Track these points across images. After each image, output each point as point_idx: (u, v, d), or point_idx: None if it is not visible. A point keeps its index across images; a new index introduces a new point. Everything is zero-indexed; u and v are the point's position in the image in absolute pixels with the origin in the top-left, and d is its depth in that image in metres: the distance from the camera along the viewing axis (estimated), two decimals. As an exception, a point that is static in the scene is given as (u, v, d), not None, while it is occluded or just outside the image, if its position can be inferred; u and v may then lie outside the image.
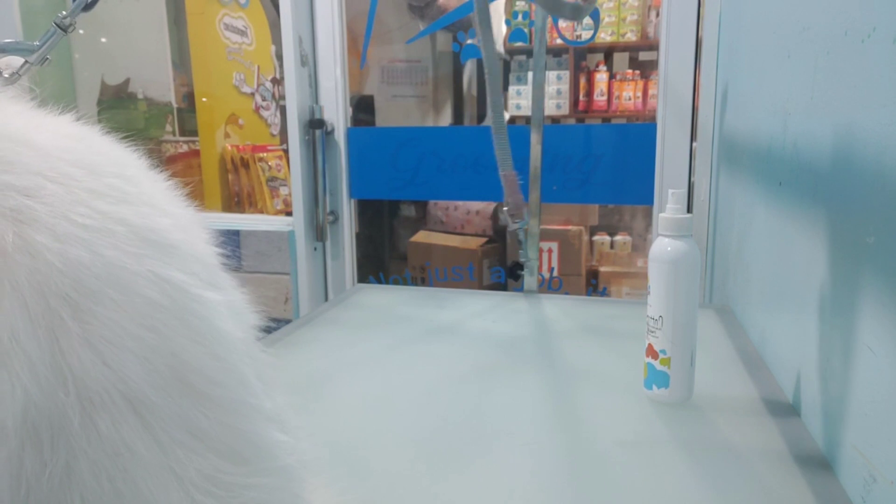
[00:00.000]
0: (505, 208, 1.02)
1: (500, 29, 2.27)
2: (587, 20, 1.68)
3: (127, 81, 2.60)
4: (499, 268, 2.29)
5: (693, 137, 1.48)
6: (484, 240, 2.37)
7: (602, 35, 2.62)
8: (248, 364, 0.30)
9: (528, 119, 1.30)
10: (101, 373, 0.24)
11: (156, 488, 0.24)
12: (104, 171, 0.28)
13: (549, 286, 2.08)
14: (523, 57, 2.68)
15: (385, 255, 2.70)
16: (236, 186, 2.36)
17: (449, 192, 1.72)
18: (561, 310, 1.05)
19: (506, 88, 2.78)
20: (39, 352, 0.23)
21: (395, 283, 2.20)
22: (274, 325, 0.93)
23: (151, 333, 0.25)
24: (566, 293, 2.21)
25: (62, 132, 0.30)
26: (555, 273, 2.31)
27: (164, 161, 2.58)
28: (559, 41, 2.46)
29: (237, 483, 0.26)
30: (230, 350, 0.29)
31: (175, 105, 2.70)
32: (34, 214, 0.25)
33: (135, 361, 0.24)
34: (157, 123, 2.68)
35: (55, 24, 0.46)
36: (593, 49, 2.81)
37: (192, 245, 0.30)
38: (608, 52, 2.84)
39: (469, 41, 1.72)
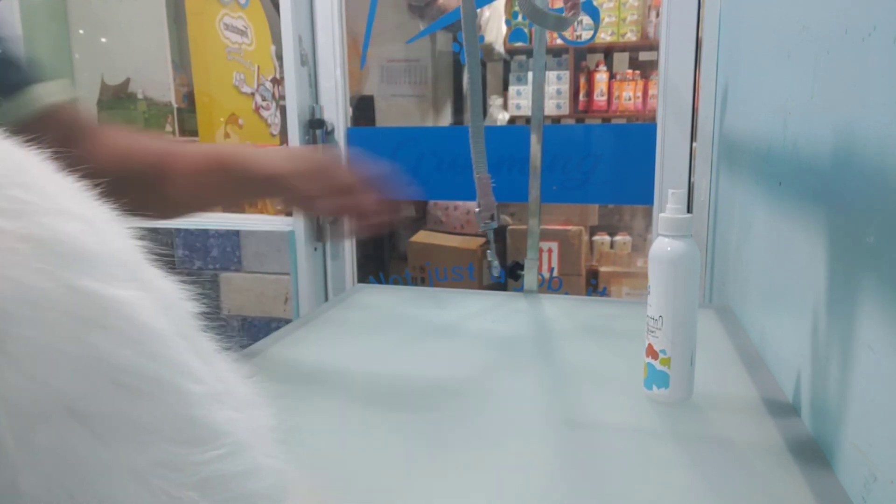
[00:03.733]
0: (477, 209, 1.04)
1: (500, 29, 2.27)
2: (587, 20, 1.68)
3: (127, 81, 2.60)
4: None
5: (693, 137, 1.48)
6: (484, 240, 2.37)
7: (602, 35, 2.62)
8: (186, 350, 0.30)
9: (527, 119, 1.30)
10: (29, 389, 0.23)
11: (112, 485, 0.24)
12: (2, 184, 0.27)
13: (549, 286, 2.08)
14: (523, 57, 2.68)
15: (385, 255, 2.70)
16: (236, 186, 2.35)
17: (448, 192, 1.72)
18: (561, 310, 1.05)
19: (506, 88, 2.78)
20: None
21: (395, 283, 2.20)
22: (274, 325, 0.93)
23: (73, 344, 0.24)
24: (566, 293, 2.21)
25: None
26: (555, 273, 2.31)
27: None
28: (559, 41, 2.46)
29: (195, 461, 0.27)
30: (163, 343, 0.28)
31: (175, 105, 2.70)
32: None
33: (63, 373, 0.24)
34: (157, 123, 2.68)
35: None
36: (593, 49, 2.81)
37: (107, 245, 0.29)
38: (608, 52, 2.85)
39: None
